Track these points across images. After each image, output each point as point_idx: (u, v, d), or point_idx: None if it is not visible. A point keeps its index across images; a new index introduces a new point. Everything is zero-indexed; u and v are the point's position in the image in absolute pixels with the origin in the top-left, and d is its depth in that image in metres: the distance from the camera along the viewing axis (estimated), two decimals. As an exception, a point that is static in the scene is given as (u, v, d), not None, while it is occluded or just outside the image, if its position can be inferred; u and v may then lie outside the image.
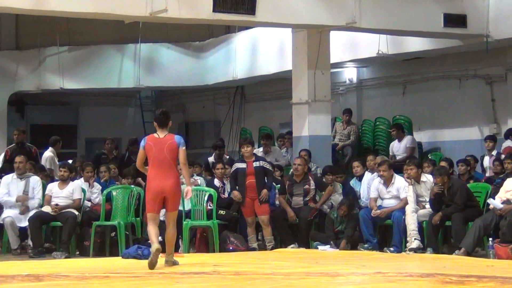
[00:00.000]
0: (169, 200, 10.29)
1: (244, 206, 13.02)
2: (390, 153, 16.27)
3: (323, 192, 13.47)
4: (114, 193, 13.45)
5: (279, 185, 13.85)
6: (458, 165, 13.84)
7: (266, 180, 13.04)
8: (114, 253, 13.08)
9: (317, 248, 12.75)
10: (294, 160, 13.90)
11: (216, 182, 13.73)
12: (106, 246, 13.41)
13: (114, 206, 13.37)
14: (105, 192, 13.49)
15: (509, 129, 15.51)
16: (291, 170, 14.58)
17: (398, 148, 16.19)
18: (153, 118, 10.83)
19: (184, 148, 10.40)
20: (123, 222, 13.17)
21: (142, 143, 10.53)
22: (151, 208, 10.36)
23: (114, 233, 13.37)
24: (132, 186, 13.78)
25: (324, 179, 13.69)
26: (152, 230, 10.23)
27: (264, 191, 12.78)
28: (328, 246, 12.69)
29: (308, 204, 13.31)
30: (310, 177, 13.47)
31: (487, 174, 14.35)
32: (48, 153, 15.76)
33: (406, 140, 16.20)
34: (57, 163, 15.21)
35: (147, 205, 10.49)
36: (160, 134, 10.43)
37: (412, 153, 15.94)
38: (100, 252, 13.17)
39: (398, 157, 15.94)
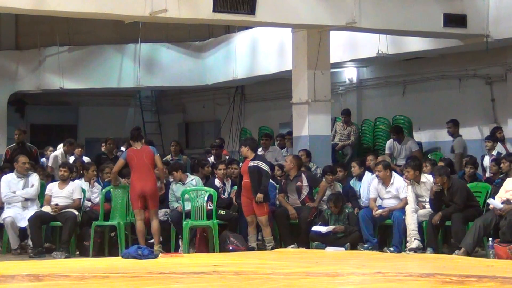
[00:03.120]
0: (150, 199, 12.69)
1: (242, 205, 13.02)
2: (387, 151, 16.16)
3: (318, 188, 13.47)
4: (113, 193, 13.44)
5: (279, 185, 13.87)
6: (467, 166, 13.80)
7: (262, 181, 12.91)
8: (114, 253, 13.07)
9: (323, 249, 12.69)
10: (286, 158, 13.89)
11: (217, 182, 13.74)
12: (106, 246, 13.40)
13: (113, 206, 13.37)
14: (104, 191, 13.47)
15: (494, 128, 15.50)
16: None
17: (399, 150, 16.08)
18: (130, 135, 13.19)
19: (158, 155, 13.04)
20: (123, 222, 13.16)
21: (123, 155, 13.08)
22: (136, 205, 12.78)
23: (114, 233, 13.36)
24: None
25: (324, 179, 13.65)
26: (140, 231, 12.73)
27: (258, 195, 12.72)
28: (331, 248, 12.65)
29: (306, 204, 13.31)
30: (303, 174, 13.45)
31: (487, 174, 14.34)
32: (56, 152, 15.74)
33: (410, 144, 16.06)
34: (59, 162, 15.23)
35: (132, 203, 12.87)
36: (137, 146, 12.89)
37: (421, 155, 15.83)
38: (100, 252, 13.17)
39: (399, 160, 15.85)
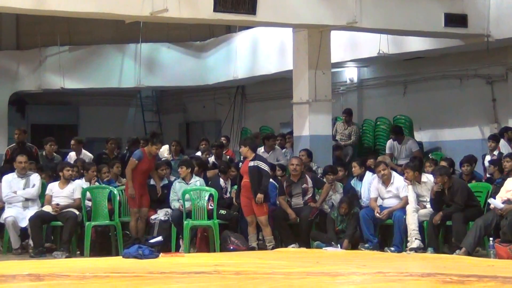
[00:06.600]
0: None
1: (242, 205, 13.01)
2: (388, 152, 16.12)
3: (321, 190, 13.46)
4: (93, 193, 13.43)
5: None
6: (464, 165, 13.77)
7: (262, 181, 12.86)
8: (114, 253, 13.08)
9: (321, 248, 12.69)
10: (291, 160, 13.74)
11: (222, 182, 13.78)
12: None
13: (94, 206, 13.33)
14: (83, 190, 13.40)
15: (503, 128, 15.45)
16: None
17: (399, 150, 16.06)
18: None
19: (132, 158, 13.34)
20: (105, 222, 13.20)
21: None
22: None
23: (115, 232, 13.37)
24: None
25: (325, 179, 13.67)
26: (132, 228, 13.37)
27: (258, 195, 12.71)
28: (331, 248, 12.63)
29: (308, 204, 13.30)
30: (307, 176, 13.44)
31: (488, 174, 14.31)
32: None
33: (411, 144, 16.04)
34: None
35: None
36: None
37: (421, 155, 15.81)
38: (100, 252, 13.17)
39: (400, 160, 15.83)
